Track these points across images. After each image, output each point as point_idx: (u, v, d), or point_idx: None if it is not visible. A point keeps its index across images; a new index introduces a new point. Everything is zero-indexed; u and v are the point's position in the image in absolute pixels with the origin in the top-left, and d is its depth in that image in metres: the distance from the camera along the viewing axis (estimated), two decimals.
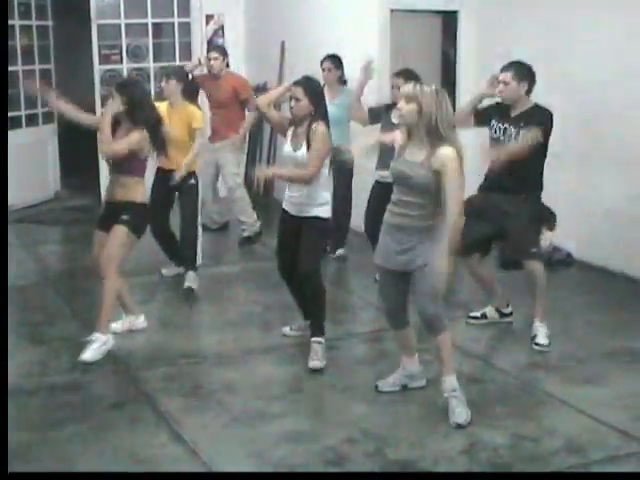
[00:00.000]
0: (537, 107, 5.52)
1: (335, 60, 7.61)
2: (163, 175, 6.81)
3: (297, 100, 5.18)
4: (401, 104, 4.44)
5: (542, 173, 5.59)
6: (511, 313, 5.96)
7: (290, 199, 5.35)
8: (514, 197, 5.50)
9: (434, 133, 4.33)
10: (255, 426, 4.50)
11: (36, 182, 10.06)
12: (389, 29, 8.18)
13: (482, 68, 8.23)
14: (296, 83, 5.28)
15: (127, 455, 4.22)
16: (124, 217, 5.44)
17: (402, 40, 8.32)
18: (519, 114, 5.51)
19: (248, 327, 6.05)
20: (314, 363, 5.26)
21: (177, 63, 10.30)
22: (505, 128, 5.53)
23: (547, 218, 5.66)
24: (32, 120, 10.15)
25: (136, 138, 5.38)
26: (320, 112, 5.21)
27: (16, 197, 9.17)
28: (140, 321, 5.88)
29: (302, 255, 5.26)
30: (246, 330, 5.99)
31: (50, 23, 10.34)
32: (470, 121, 5.80)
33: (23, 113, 9.95)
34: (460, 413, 4.48)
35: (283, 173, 5.41)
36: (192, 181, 6.80)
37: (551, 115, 5.47)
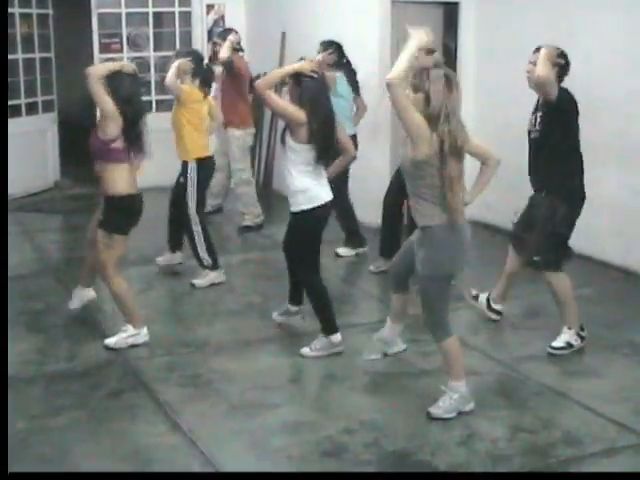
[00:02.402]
0: (561, 90, 5.18)
1: (329, 45, 7.37)
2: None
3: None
4: (409, 92, 4.38)
5: (570, 173, 5.29)
6: (500, 312, 5.84)
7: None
8: (536, 195, 5.38)
9: (435, 119, 4.23)
10: (253, 416, 4.50)
11: (36, 171, 10.04)
12: (390, 20, 8.17)
13: (482, 59, 8.25)
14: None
15: (125, 444, 4.23)
16: (100, 217, 5.35)
17: (403, 31, 8.29)
18: (544, 101, 5.25)
19: (247, 317, 6.05)
20: (303, 350, 5.29)
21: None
22: (533, 118, 5.34)
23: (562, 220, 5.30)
24: (32, 108, 10.13)
25: (104, 108, 5.13)
26: (317, 112, 5.11)
27: (16, 186, 9.15)
28: (142, 335, 5.49)
29: (288, 257, 5.38)
30: (245, 320, 5.99)
31: (50, 11, 10.31)
32: None
33: (23, 101, 9.93)
34: (442, 408, 4.45)
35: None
36: (181, 180, 6.62)
37: (569, 95, 5.18)
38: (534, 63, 5.19)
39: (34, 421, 4.43)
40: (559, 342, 5.33)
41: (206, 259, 6.67)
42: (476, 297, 5.93)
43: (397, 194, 6.42)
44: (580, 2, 7.05)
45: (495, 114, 8.03)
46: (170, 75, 6.48)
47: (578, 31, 7.05)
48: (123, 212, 5.30)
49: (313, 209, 5.16)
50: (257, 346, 5.49)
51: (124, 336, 5.41)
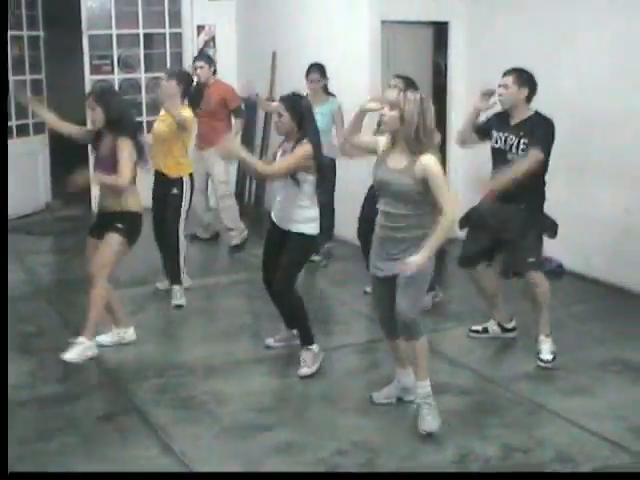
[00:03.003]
0: (538, 115, 5.43)
1: (320, 69, 7.64)
2: (157, 178, 6.77)
3: (279, 115, 5.20)
4: (385, 110, 4.46)
5: (544, 183, 5.50)
6: (514, 328, 5.88)
7: (277, 205, 5.37)
8: (514, 207, 5.42)
9: (414, 140, 4.36)
10: (246, 437, 4.49)
11: (27, 192, 10.03)
12: (380, 40, 8.21)
13: (472, 78, 8.29)
14: (280, 98, 5.32)
15: (117, 467, 4.20)
16: (118, 225, 5.45)
17: (393, 51, 8.35)
18: (519, 122, 5.42)
19: (238, 338, 6.04)
20: (302, 370, 5.28)
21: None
22: (506, 137, 5.44)
23: (548, 227, 5.52)
24: (23, 130, 10.14)
25: (129, 150, 5.39)
26: (307, 130, 5.17)
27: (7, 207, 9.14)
28: (130, 334, 5.83)
29: (279, 270, 5.30)
30: (236, 341, 5.98)
31: (41, 33, 10.33)
32: (474, 138, 5.74)
33: (14, 123, 9.93)
34: (431, 422, 4.47)
35: (243, 156, 5.25)
36: (175, 191, 6.62)
37: (553, 126, 5.38)
38: (505, 86, 5.42)
39: (25, 445, 4.41)
40: (547, 354, 5.40)
41: (181, 273, 6.74)
42: (485, 330, 5.91)
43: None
44: (570, 20, 7.09)
45: None
46: (184, 115, 6.50)
47: (569, 49, 7.10)
48: (138, 226, 5.60)
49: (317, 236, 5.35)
50: (249, 367, 5.48)
51: (80, 349, 5.32)
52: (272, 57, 9.77)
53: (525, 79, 5.42)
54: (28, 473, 3.93)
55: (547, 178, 5.46)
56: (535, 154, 5.28)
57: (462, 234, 5.78)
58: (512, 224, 5.41)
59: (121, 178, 5.36)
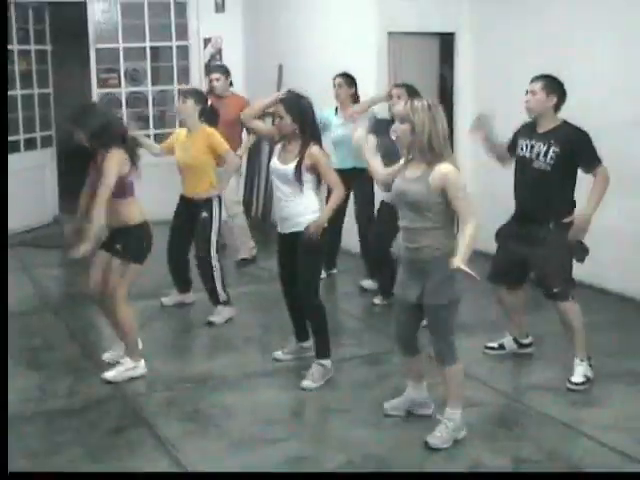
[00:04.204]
0: (568, 125, 5.23)
1: (346, 78, 7.52)
2: (182, 202, 6.68)
3: (280, 117, 5.22)
4: (396, 124, 4.44)
5: (573, 200, 5.29)
6: (530, 344, 5.79)
7: (280, 214, 5.38)
8: (541, 226, 5.24)
9: (428, 150, 4.29)
10: (255, 450, 4.47)
11: (35, 206, 10.07)
12: (386, 51, 8.22)
13: (478, 89, 8.30)
14: (280, 99, 5.32)
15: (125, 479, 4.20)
16: (117, 247, 5.33)
17: (400, 62, 8.36)
18: (547, 131, 5.24)
19: (247, 350, 6.03)
20: (306, 383, 5.27)
21: (175, 87, 10.36)
22: (532, 145, 5.27)
23: (578, 250, 5.27)
24: (31, 144, 10.18)
25: (116, 160, 5.17)
26: (309, 131, 5.19)
27: (15, 221, 9.15)
28: (140, 367, 5.51)
29: (299, 276, 5.29)
30: (245, 353, 5.97)
31: (49, 47, 10.38)
32: (508, 156, 5.55)
33: (22, 137, 9.98)
34: (438, 439, 4.43)
35: (323, 220, 5.25)
36: (205, 214, 6.50)
37: (588, 137, 5.18)
38: (532, 92, 5.25)
39: (34, 459, 4.39)
40: (579, 377, 5.23)
41: (222, 295, 6.64)
42: (502, 346, 5.81)
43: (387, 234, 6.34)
44: (575, 28, 7.09)
45: None
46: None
47: (574, 57, 7.08)
48: (143, 239, 5.40)
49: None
50: (257, 380, 5.46)
51: (122, 369, 5.41)
52: (278, 70, 9.79)
53: (554, 87, 5.24)
54: (28, 473, 3.92)
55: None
56: (602, 172, 5.17)
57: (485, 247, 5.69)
58: (540, 244, 5.23)
59: (102, 187, 5.11)
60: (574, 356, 5.30)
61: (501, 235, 5.55)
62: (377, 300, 7.00)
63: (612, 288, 6.98)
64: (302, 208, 5.25)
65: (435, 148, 4.28)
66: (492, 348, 5.82)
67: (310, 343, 5.60)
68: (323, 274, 7.53)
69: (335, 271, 7.91)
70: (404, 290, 4.55)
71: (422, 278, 4.41)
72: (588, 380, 5.24)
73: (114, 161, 5.17)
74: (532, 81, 5.30)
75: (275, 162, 5.33)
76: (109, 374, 5.38)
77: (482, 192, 8.02)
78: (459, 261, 4.15)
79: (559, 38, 7.25)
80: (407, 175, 4.44)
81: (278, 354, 5.75)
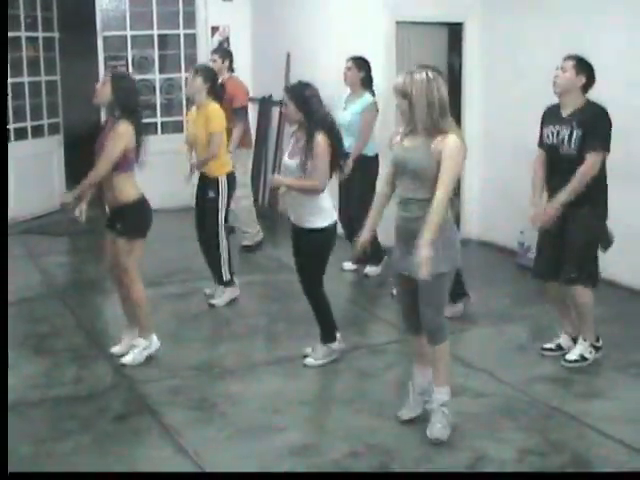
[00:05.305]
0: (591, 104, 5.20)
1: (356, 61, 7.36)
2: (200, 180, 6.71)
3: (286, 105, 5.24)
4: (398, 99, 4.38)
5: (605, 183, 5.24)
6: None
7: (291, 203, 5.38)
8: (577, 210, 5.15)
9: (427, 120, 4.25)
10: (259, 439, 4.48)
11: (42, 193, 10.05)
12: (395, 41, 8.19)
13: (487, 79, 8.26)
14: (284, 88, 5.33)
15: (131, 468, 4.20)
16: (118, 226, 5.37)
17: (408, 52, 8.33)
18: (572, 112, 5.20)
19: (253, 339, 6.03)
20: (308, 360, 5.39)
21: (183, 75, 10.34)
22: (557, 131, 5.22)
23: (604, 238, 5.24)
24: (38, 131, 10.17)
25: (121, 131, 5.20)
26: (316, 118, 5.15)
27: (22, 208, 9.19)
28: (154, 343, 5.57)
29: (299, 273, 5.36)
30: (251, 342, 5.97)
31: (56, 35, 10.37)
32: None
33: (29, 124, 9.97)
34: (441, 430, 4.40)
35: (294, 183, 5.25)
36: (211, 194, 6.54)
37: (607, 114, 5.13)
38: (563, 69, 5.25)
39: (40, 445, 4.41)
40: (573, 355, 5.31)
41: (226, 275, 6.67)
42: (559, 347, 5.54)
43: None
44: (583, 21, 7.05)
45: (500, 133, 8.02)
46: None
47: (580, 49, 6.99)
48: (141, 214, 5.42)
49: (333, 225, 5.31)
50: (263, 369, 5.47)
51: (137, 351, 5.46)
52: (286, 58, 9.76)
53: (585, 67, 5.23)
54: (28, 473, 3.92)
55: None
56: (592, 161, 5.09)
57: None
58: (571, 228, 5.20)
59: (104, 157, 5.18)
60: (579, 337, 5.36)
61: (540, 230, 5.45)
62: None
63: (620, 280, 6.95)
64: (309, 205, 5.23)
65: (435, 118, 4.25)
66: (550, 349, 5.59)
67: (337, 345, 5.53)
68: (351, 266, 7.55)
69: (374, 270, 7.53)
70: (401, 264, 4.49)
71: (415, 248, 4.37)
72: (584, 359, 5.29)
73: (122, 135, 5.20)
74: (564, 59, 5.30)
75: (285, 155, 5.37)
76: (127, 358, 5.43)
77: (489, 182, 8.01)
78: (425, 246, 4.14)
79: (568, 27, 7.20)
80: (407, 144, 4.40)
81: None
